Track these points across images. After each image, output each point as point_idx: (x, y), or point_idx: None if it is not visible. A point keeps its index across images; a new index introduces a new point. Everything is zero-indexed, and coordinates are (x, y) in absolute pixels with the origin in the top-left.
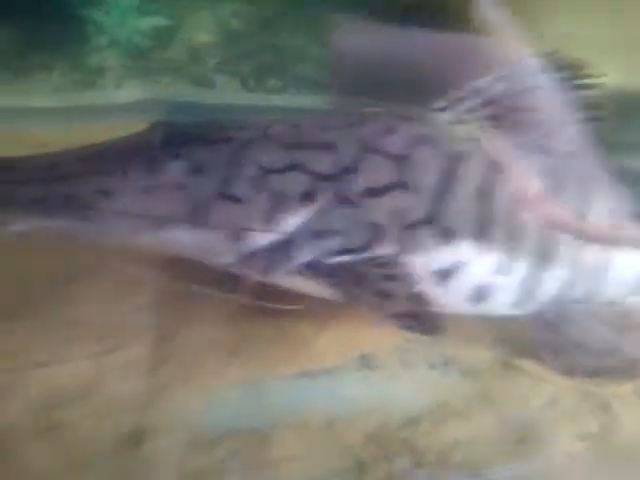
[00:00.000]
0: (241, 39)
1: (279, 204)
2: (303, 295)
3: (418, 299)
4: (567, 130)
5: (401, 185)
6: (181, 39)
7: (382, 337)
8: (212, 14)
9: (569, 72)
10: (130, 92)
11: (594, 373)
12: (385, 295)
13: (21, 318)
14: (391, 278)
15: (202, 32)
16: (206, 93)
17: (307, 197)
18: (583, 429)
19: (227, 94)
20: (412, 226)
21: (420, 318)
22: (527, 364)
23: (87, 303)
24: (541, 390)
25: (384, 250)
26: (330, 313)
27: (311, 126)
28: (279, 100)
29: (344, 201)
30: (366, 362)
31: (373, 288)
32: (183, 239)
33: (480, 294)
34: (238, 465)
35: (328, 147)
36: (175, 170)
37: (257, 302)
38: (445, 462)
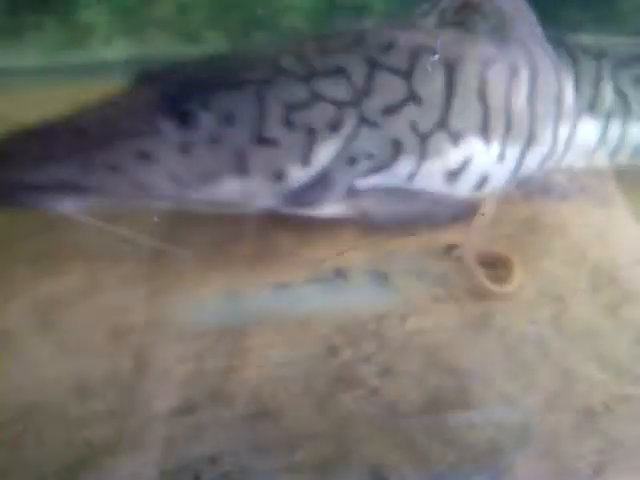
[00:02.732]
0: None
1: (312, 137)
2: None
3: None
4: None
5: (412, 98)
6: None
7: (355, 254)
8: None
9: None
10: (118, 50)
11: None
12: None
13: None
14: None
15: None
16: (194, 48)
17: (335, 125)
18: None
19: (214, 49)
20: (427, 135)
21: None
22: None
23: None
24: None
25: (406, 162)
26: (306, 234)
27: (315, 53)
28: None
29: (368, 123)
30: (340, 274)
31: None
32: (228, 189)
33: (483, 182)
34: (220, 351)
35: (339, 71)
36: (207, 122)
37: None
38: (407, 346)
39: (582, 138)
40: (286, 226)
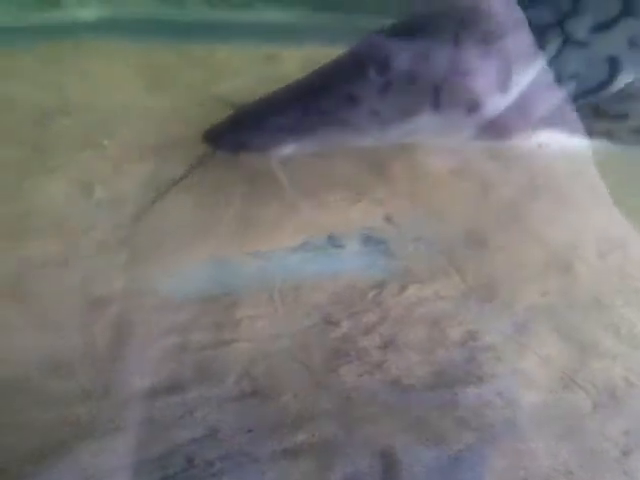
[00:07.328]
0: None
1: (510, 62)
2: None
3: None
4: None
5: (628, 12)
6: None
7: (348, 220)
8: None
9: None
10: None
11: None
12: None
13: None
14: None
15: None
16: (174, 10)
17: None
18: None
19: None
20: None
21: None
22: None
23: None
24: None
25: (625, 80)
26: (297, 198)
27: None
28: (246, 16)
29: (574, 43)
30: (333, 242)
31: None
32: (426, 125)
33: None
34: (206, 323)
35: None
36: (405, 60)
37: None
38: (408, 317)
39: None
40: (274, 192)
